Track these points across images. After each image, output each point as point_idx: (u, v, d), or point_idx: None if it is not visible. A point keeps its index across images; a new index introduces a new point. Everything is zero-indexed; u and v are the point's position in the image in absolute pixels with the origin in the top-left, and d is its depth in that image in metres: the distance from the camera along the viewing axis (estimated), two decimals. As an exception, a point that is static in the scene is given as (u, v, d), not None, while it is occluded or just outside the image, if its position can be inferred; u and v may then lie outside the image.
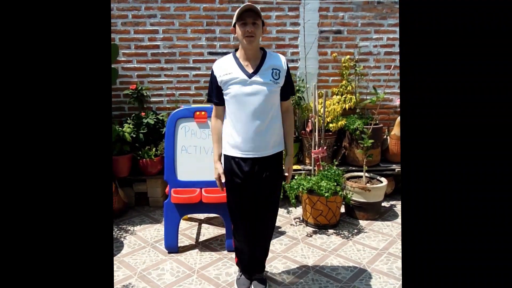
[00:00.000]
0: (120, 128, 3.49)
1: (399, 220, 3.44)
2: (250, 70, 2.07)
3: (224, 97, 2.14)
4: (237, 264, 2.49)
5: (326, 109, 3.65)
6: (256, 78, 2.06)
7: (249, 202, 2.24)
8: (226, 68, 2.10)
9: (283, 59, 2.16)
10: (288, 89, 2.20)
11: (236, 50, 2.16)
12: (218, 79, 2.11)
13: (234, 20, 2.04)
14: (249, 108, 2.06)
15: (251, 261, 2.40)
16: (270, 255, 2.61)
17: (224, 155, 2.22)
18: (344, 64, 3.94)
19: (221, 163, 2.24)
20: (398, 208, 3.72)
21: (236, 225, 2.35)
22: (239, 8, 1.99)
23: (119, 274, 2.58)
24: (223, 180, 2.21)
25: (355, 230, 3.24)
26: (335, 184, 3.13)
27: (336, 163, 3.55)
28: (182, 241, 3.05)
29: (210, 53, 3.89)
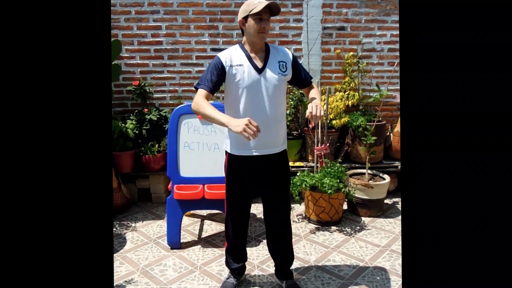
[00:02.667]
0: (123, 124, 3.49)
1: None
2: (259, 64, 2.02)
3: (229, 89, 2.04)
4: (226, 264, 2.42)
5: (329, 106, 3.64)
6: (265, 71, 2.02)
7: (249, 199, 2.24)
8: (236, 59, 2.01)
9: (287, 50, 2.16)
10: (304, 75, 2.18)
11: (241, 42, 2.08)
12: (226, 69, 1.98)
13: (247, 13, 1.94)
14: (260, 102, 2.01)
15: (241, 259, 2.38)
16: (272, 251, 2.60)
17: (230, 154, 2.13)
18: (347, 61, 3.92)
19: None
20: (400, 205, 3.72)
21: (227, 222, 2.31)
22: (260, 2, 1.90)
23: (122, 269, 2.59)
24: (254, 123, 1.73)
25: (358, 227, 3.24)
26: (338, 181, 3.13)
27: (339, 160, 3.54)
28: (185, 237, 3.06)
29: (213, 49, 3.88)
